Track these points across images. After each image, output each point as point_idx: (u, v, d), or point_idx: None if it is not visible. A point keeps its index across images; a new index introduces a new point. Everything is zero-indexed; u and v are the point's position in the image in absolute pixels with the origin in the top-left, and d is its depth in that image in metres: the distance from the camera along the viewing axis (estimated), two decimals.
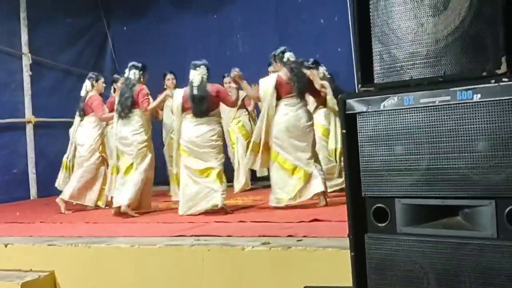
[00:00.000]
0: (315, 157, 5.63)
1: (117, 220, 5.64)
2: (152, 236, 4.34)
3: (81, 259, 4.15)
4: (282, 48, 5.77)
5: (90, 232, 4.80)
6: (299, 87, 5.60)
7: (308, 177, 5.46)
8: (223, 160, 5.69)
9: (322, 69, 6.92)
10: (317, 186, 5.46)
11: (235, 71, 5.91)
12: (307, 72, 6.16)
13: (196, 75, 5.67)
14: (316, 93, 6.05)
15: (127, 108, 5.94)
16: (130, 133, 5.94)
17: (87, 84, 6.77)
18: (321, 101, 6.33)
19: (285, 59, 5.68)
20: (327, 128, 6.74)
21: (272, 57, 5.83)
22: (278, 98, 5.65)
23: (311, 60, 6.86)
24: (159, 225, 5.08)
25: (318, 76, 6.71)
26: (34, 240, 4.60)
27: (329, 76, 6.99)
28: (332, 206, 5.31)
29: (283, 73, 5.66)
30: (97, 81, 6.78)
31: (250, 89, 6.17)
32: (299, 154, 5.53)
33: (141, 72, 6.10)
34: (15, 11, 8.93)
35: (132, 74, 6.06)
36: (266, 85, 5.72)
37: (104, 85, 7.01)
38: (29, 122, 9.00)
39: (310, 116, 5.74)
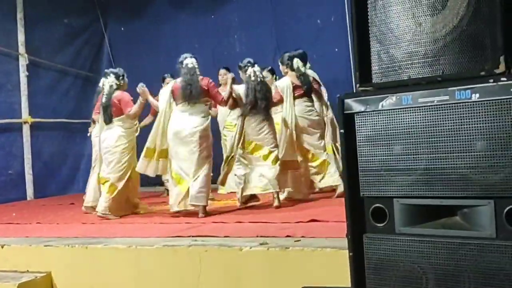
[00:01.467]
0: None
1: (114, 221, 5.62)
2: (149, 236, 4.33)
3: (78, 260, 4.14)
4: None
5: (87, 233, 4.78)
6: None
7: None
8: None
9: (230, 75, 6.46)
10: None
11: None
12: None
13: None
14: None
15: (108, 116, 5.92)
16: (112, 140, 5.90)
17: (110, 81, 6.08)
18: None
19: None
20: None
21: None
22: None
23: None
24: (156, 225, 5.06)
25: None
26: (31, 241, 4.58)
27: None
28: (330, 207, 5.31)
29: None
30: (122, 77, 6.21)
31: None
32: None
33: (121, 77, 6.03)
34: (12, 12, 8.92)
35: (110, 81, 5.96)
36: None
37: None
38: (25, 122, 8.98)
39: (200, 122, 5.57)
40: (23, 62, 8.98)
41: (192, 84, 5.54)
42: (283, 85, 6.18)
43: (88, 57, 10.04)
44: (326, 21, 8.23)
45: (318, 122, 6.29)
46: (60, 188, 9.25)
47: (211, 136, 5.75)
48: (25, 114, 8.98)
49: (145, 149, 5.74)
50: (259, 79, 5.81)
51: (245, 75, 5.89)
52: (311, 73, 6.53)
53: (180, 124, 5.50)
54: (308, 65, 6.50)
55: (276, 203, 5.63)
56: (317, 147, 6.19)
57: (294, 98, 6.14)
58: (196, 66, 5.65)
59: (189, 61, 5.65)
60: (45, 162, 9.19)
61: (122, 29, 10.18)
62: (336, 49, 7.82)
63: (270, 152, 5.74)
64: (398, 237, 2.11)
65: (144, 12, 9.94)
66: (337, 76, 7.47)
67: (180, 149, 5.48)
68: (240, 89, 5.88)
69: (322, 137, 6.28)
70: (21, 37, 9.01)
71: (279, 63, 6.37)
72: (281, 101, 6.13)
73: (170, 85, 5.90)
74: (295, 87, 6.15)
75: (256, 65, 5.88)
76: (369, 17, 2.19)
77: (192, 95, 5.51)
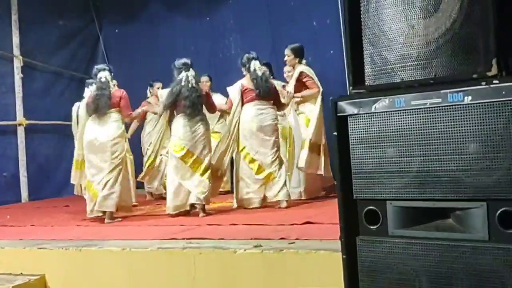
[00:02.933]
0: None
1: (108, 223, 5.60)
2: (144, 239, 4.32)
3: (72, 262, 4.13)
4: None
5: (81, 236, 4.77)
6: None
7: None
8: None
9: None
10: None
11: None
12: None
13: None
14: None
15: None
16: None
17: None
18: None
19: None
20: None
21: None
22: None
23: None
24: (151, 228, 5.06)
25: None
26: (25, 243, 4.57)
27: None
28: (325, 208, 5.31)
29: None
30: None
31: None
32: None
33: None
34: (6, 14, 8.90)
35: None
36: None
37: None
38: (20, 124, 8.95)
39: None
40: (17, 64, 8.97)
41: (101, 97, 5.75)
42: (233, 90, 6.10)
43: (83, 59, 10.01)
44: (321, 23, 8.23)
45: (273, 128, 5.98)
46: (54, 191, 9.22)
47: (125, 145, 5.98)
48: (19, 116, 8.96)
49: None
50: (190, 85, 5.73)
51: (248, 72, 5.98)
52: (306, 69, 6.35)
53: (92, 134, 5.79)
54: (304, 60, 6.45)
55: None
56: (267, 157, 5.85)
57: (245, 102, 5.97)
58: (109, 80, 5.87)
59: (103, 74, 5.86)
60: (39, 164, 9.17)
61: (117, 31, 10.17)
62: (332, 51, 7.83)
63: (200, 160, 5.69)
64: (391, 239, 2.11)
65: (139, 14, 9.93)
66: (332, 78, 7.47)
67: (92, 157, 5.76)
68: (164, 93, 6.01)
69: (276, 144, 5.97)
70: (15, 39, 8.99)
71: (241, 65, 6.17)
72: (231, 108, 6.09)
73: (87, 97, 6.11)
74: (246, 91, 5.98)
75: (191, 69, 5.80)
76: (362, 20, 2.19)
77: (99, 107, 5.74)
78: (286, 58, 6.46)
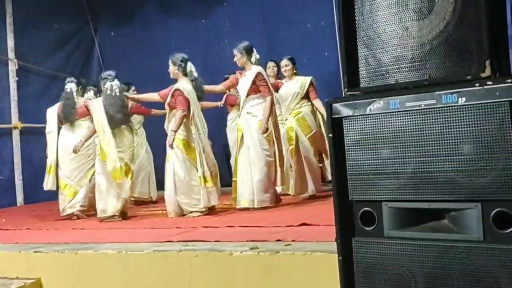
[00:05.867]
0: None
1: (104, 226, 5.60)
2: (139, 242, 4.31)
3: (67, 265, 4.12)
4: None
5: (76, 239, 4.76)
6: None
7: None
8: None
9: None
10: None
11: None
12: None
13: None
14: None
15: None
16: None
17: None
18: None
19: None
20: None
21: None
22: None
23: None
24: (146, 230, 5.05)
25: None
26: (20, 247, 4.55)
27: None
28: (320, 210, 5.31)
29: None
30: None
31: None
32: None
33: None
34: (1, 17, 8.89)
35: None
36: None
37: None
38: (15, 128, 8.94)
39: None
40: (12, 67, 8.95)
41: (66, 107, 6.49)
42: (189, 89, 5.83)
43: (78, 62, 10.00)
44: (316, 25, 8.25)
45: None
46: (50, 194, 9.14)
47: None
48: (14, 120, 8.95)
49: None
50: (113, 93, 6.02)
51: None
52: (262, 70, 6.06)
53: (66, 141, 6.43)
54: (253, 58, 6.08)
55: None
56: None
57: None
58: (74, 91, 6.53)
59: (68, 86, 6.57)
60: (35, 167, 9.12)
61: (112, 34, 10.17)
62: (326, 53, 7.85)
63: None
64: (387, 240, 2.12)
65: (134, 17, 9.93)
66: (327, 80, 7.49)
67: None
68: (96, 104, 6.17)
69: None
70: (10, 42, 8.98)
71: (170, 63, 5.97)
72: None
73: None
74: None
75: (116, 80, 6.06)
76: (356, 22, 2.21)
77: (67, 116, 6.46)
78: (235, 59, 6.17)
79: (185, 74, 5.92)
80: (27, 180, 8.97)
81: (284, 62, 6.71)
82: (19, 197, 8.90)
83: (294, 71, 6.70)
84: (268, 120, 5.86)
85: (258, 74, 5.96)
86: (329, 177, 6.12)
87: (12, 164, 8.87)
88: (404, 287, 2.07)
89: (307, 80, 6.61)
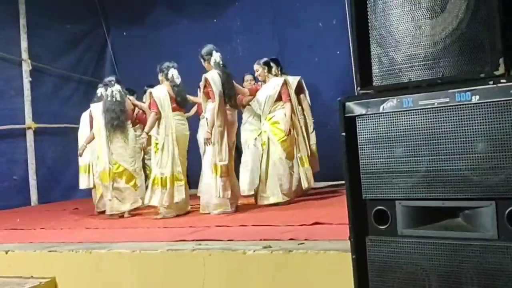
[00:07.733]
0: None
1: (118, 225, 5.64)
2: (153, 241, 4.33)
3: (82, 265, 4.15)
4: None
5: (90, 238, 4.79)
6: None
7: None
8: None
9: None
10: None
11: None
12: None
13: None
14: None
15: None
16: None
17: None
18: None
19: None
20: None
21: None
22: None
23: None
24: (160, 230, 5.07)
25: None
26: (35, 246, 4.59)
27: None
28: (333, 209, 5.31)
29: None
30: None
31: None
32: None
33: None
34: (14, 18, 8.96)
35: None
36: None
37: None
38: (29, 128, 9.01)
39: None
40: (26, 68, 9.03)
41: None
42: (161, 95, 6.01)
43: (91, 62, 10.07)
44: (327, 24, 8.22)
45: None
46: (64, 194, 9.27)
47: None
48: (28, 120, 9.02)
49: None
50: (114, 99, 6.22)
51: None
52: (210, 76, 5.94)
53: None
54: (213, 60, 6.05)
55: None
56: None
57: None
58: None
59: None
60: (48, 167, 9.22)
61: (125, 34, 10.21)
62: (338, 52, 7.82)
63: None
64: (401, 239, 2.12)
65: (146, 17, 9.96)
66: (339, 78, 7.47)
67: None
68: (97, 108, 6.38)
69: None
70: (23, 43, 9.05)
71: (158, 70, 6.26)
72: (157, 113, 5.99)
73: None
74: (170, 99, 6.05)
75: (116, 85, 6.25)
76: (369, 21, 2.21)
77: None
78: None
79: (167, 80, 6.18)
80: (40, 180, 9.05)
81: (255, 67, 6.65)
82: (33, 197, 8.97)
83: (274, 73, 6.51)
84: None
85: (204, 79, 5.98)
86: (307, 184, 6.30)
87: (26, 164, 8.95)
88: (418, 286, 2.06)
89: (280, 81, 6.41)
